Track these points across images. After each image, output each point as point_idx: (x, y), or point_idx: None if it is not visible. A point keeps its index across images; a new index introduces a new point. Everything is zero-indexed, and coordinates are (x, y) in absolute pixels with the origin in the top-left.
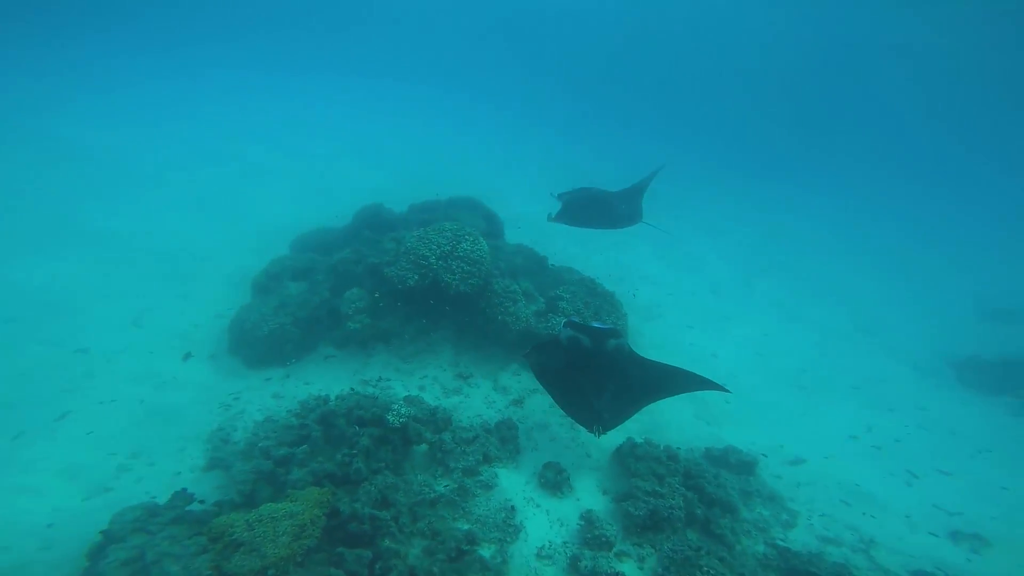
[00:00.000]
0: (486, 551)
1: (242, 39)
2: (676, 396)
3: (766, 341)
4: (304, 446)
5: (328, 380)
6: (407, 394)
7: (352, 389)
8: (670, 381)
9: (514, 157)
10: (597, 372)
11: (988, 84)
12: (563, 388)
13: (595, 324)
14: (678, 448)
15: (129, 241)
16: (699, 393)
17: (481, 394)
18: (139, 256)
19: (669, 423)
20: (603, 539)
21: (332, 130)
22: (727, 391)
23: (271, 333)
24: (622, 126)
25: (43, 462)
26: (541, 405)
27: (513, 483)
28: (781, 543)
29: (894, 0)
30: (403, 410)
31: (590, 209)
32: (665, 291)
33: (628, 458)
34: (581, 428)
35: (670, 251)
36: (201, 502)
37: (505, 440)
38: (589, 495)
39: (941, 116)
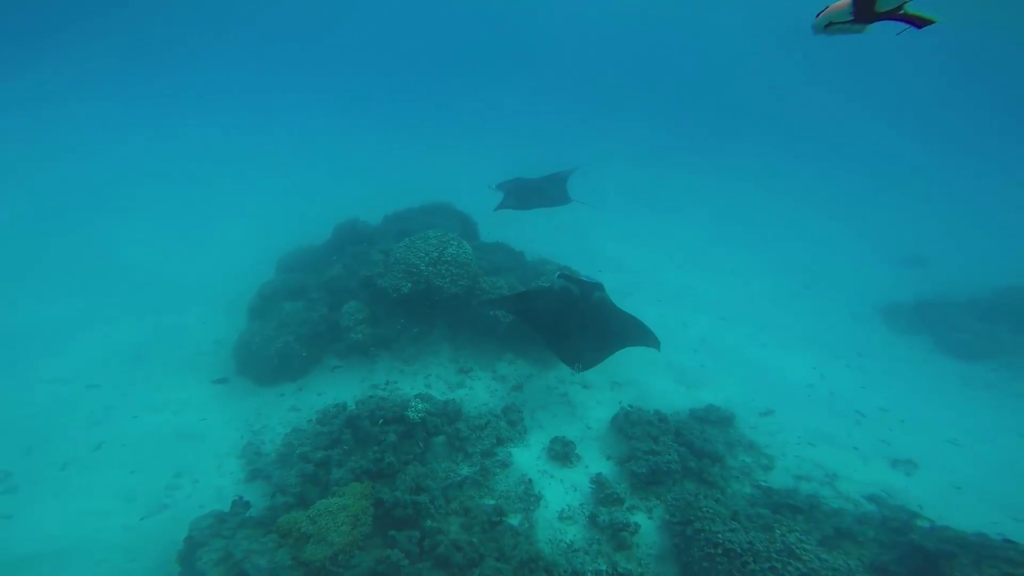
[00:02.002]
0: (514, 520)
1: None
2: (656, 367)
3: (726, 306)
4: (337, 449)
5: (339, 389)
6: (416, 392)
7: (369, 395)
8: (639, 331)
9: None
10: (582, 317)
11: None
12: (552, 330)
13: (583, 277)
14: (666, 412)
15: (110, 273)
16: (676, 360)
17: (483, 385)
18: (122, 288)
19: (653, 391)
20: (615, 496)
21: (280, 150)
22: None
23: (279, 352)
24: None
25: (98, 488)
26: (539, 388)
27: (526, 459)
28: (764, 484)
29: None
30: (419, 406)
31: (526, 193)
32: (632, 271)
33: (624, 424)
34: (578, 406)
35: (630, 233)
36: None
37: (513, 423)
38: (595, 462)
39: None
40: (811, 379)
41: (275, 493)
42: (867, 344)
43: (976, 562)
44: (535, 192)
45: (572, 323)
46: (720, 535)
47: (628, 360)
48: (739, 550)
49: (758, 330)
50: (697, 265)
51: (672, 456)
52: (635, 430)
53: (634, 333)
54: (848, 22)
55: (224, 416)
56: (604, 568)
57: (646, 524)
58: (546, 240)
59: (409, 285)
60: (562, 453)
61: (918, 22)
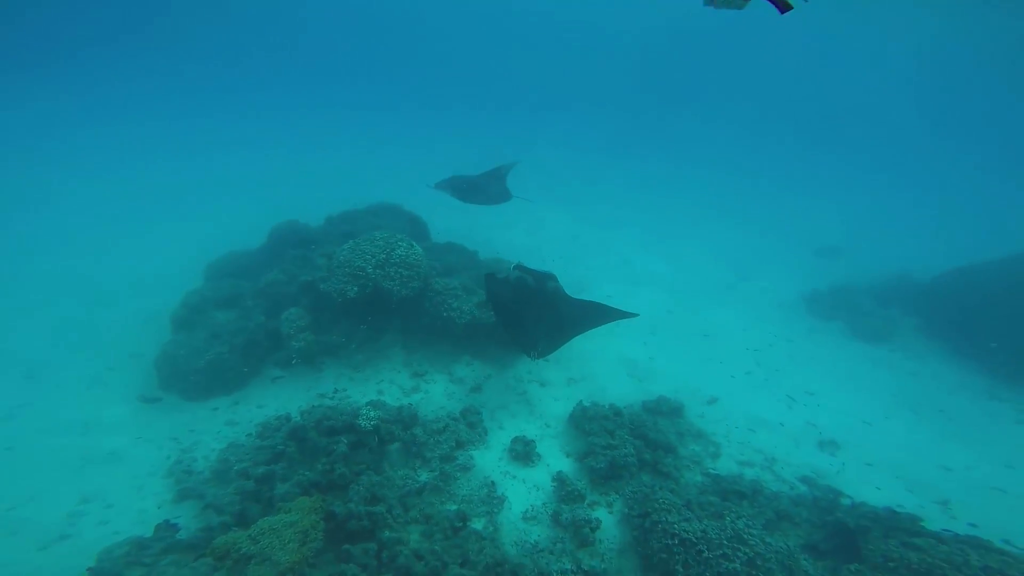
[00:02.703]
0: (478, 524)
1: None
2: (609, 361)
3: (673, 299)
4: (281, 463)
5: (282, 400)
6: (367, 400)
7: (314, 405)
8: (594, 314)
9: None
10: (538, 307)
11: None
12: (509, 318)
13: (537, 269)
14: (620, 406)
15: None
16: (629, 354)
17: (440, 388)
18: (17, 302)
19: (608, 385)
20: (576, 493)
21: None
22: (636, 315)
23: (210, 363)
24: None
25: None
26: (497, 388)
27: (488, 461)
28: (712, 471)
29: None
30: (372, 413)
31: (465, 191)
32: (584, 266)
33: (581, 420)
34: (537, 404)
35: (581, 234)
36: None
37: (473, 425)
38: (556, 459)
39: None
40: (748, 366)
41: (207, 509)
42: (794, 331)
43: (885, 534)
44: (474, 189)
45: (528, 312)
46: (676, 525)
47: (583, 355)
48: (694, 539)
49: (701, 320)
50: (643, 261)
51: (628, 449)
52: (592, 425)
53: (592, 317)
54: None
55: (146, 434)
56: (569, 567)
57: (606, 519)
58: (500, 239)
59: (355, 289)
60: (523, 453)
61: (781, 6)
